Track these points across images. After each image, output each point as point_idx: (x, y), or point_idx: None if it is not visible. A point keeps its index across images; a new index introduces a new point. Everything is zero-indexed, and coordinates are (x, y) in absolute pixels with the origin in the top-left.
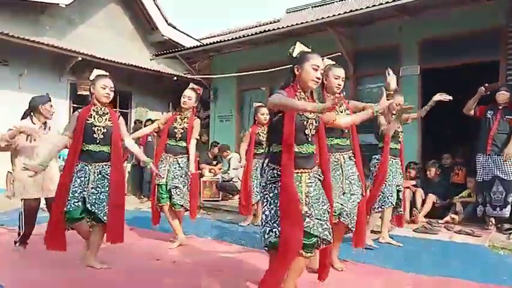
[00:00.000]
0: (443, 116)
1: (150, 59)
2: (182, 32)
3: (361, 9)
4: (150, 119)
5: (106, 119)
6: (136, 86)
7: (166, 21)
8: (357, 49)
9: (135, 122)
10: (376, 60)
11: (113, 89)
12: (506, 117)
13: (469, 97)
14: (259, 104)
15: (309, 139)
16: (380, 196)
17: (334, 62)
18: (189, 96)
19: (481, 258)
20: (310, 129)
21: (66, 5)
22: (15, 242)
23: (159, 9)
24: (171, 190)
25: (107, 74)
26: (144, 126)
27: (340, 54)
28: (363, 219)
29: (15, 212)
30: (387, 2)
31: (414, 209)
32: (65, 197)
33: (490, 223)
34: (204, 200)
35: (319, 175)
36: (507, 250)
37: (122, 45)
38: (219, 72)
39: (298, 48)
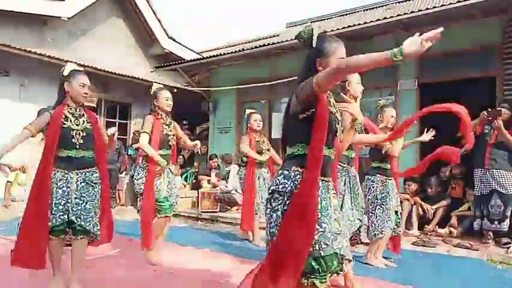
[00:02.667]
0: (442, 128)
1: (151, 71)
2: (182, 45)
3: (359, 24)
4: None
5: (84, 121)
6: (137, 97)
7: (167, 34)
8: None
9: (133, 133)
10: (374, 74)
11: (91, 87)
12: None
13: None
14: (252, 110)
15: (334, 142)
16: (379, 221)
17: None
18: (172, 99)
19: (479, 272)
20: (340, 132)
21: (68, 18)
22: (12, 251)
23: (159, 22)
24: (172, 200)
25: (83, 69)
26: None
27: None
28: None
29: (12, 222)
30: (385, 18)
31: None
32: (46, 210)
33: (488, 237)
34: (202, 212)
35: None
36: (505, 264)
37: (123, 58)
38: (219, 85)
39: (317, 32)
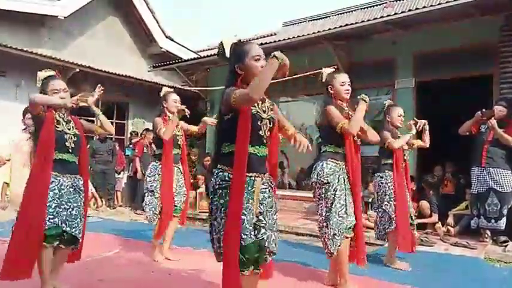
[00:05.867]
0: (439, 128)
1: (148, 71)
2: (180, 45)
3: (357, 23)
4: (147, 129)
5: (73, 127)
6: (134, 97)
7: (164, 33)
8: (352, 62)
9: (131, 134)
10: (372, 73)
11: (67, 90)
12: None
13: (464, 112)
14: None
15: (264, 140)
16: (386, 216)
17: (333, 70)
18: (180, 101)
19: (477, 271)
20: (265, 130)
21: (65, 17)
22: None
23: (157, 21)
24: (179, 200)
25: (54, 73)
26: (140, 135)
27: (335, 67)
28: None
29: (9, 223)
30: (382, 17)
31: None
32: (43, 214)
33: (486, 235)
34: (200, 212)
35: (270, 181)
36: (503, 262)
37: (120, 57)
38: (216, 84)
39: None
